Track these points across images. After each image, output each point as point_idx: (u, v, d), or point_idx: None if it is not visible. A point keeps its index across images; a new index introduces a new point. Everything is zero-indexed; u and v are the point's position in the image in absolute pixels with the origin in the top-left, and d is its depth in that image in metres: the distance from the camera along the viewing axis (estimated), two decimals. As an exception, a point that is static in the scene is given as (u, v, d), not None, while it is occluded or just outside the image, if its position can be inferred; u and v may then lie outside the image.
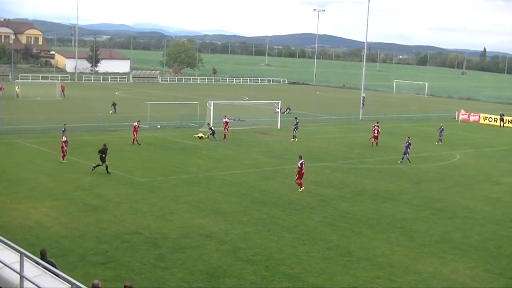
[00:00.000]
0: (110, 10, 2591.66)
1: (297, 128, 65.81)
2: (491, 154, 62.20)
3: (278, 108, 78.65)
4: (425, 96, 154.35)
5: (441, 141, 68.06)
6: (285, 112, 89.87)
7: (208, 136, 61.86)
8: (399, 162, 54.02)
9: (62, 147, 47.42)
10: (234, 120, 74.52)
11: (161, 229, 31.23)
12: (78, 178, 42.18)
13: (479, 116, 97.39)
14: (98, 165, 43.59)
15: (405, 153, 54.47)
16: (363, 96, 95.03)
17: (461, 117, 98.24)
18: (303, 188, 41.14)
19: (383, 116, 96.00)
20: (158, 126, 69.94)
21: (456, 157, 59.50)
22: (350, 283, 25.28)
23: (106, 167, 43.39)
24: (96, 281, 14.65)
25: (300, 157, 42.54)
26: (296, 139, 64.08)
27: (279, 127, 73.34)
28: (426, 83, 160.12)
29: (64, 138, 47.92)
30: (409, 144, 54.58)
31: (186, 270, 25.72)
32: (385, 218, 35.80)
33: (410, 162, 53.78)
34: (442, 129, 69.00)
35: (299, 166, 41.62)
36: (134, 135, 56.58)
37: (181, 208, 35.65)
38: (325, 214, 35.84)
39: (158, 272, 25.41)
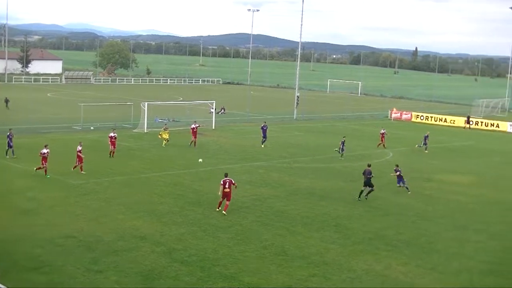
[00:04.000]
0: (41, 10, 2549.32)
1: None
2: (423, 152, 63.26)
3: (213, 108, 78.59)
4: (359, 95, 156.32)
5: (426, 150, 63.79)
6: (220, 112, 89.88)
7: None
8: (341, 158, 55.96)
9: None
10: (168, 120, 74.09)
11: (95, 232, 30.85)
12: (9, 181, 41.36)
13: (411, 115, 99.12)
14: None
15: (342, 150, 56.19)
16: (297, 96, 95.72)
17: (393, 115, 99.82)
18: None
19: (318, 115, 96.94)
20: (92, 128, 69.06)
21: (389, 155, 60.40)
22: (285, 282, 25.41)
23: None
24: None
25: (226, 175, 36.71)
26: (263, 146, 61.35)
27: (213, 127, 73.26)
28: (360, 82, 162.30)
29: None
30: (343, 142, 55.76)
31: (121, 272, 25.46)
32: (320, 216, 36.10)
33: (342, 158, 54.90)
34: (427, 136, 64.99)
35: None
36: (111, 147, 51.99)
37: (115, 210, 35.28)
38: (260, 213, 35.95)
39: (92, 275, 25.09)
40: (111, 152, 51.66)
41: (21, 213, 33.86)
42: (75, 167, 44.74)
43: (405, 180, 43.73)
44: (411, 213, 38.11)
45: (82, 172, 44.23)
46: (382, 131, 65.28)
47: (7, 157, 48.79)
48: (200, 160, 38.22)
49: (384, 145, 64.22)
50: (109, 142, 51.92)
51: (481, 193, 45.04)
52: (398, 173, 43.33)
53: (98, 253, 27.75)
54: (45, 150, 43.46)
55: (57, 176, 43.08)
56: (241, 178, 45.32)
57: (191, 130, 59.85)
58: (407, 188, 43.34)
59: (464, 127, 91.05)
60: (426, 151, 62.98)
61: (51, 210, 34.68)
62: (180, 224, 33.07)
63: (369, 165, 41.53)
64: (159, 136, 59.64)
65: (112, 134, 52.14)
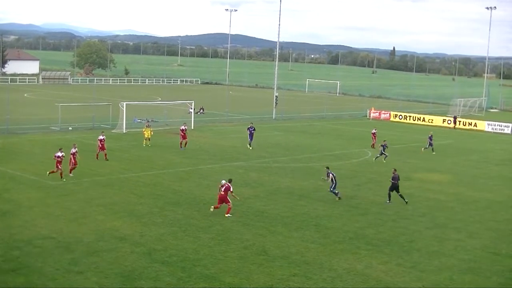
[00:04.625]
0: (18, 10, 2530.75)
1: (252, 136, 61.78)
2: (401, 151, 63.57)
3: (192, 108, 78.41)
4: (337, 94, 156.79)
5: (433, 151, 63.28)
6: (199, 113, 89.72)
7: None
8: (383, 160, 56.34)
9: None
10: (147, 120, 73.81)
11: (75, 233, 30.63)
12: (-14, 182, 40.98)
13: (390, 114, 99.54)
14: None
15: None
16: (276, 95, 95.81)
17: (372, 115, 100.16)
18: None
19: (296, 115, 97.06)
20: (70, 128, 68.65)
21: (368, 154, 60.56)
22: (266, 281, 25.37)
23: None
24: None
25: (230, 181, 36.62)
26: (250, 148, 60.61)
27: (192, 127, 73.06)
28: (338, 82, 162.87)
29: None
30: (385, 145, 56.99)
31: (101, 273, 25.29)
32: (300, 216, 36.10)
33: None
34: (431, 137, 64.55)
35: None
36: (98, 149, 51.12)
37: (95, 211, 35.06)
38: (240, 213, 35.86)
39: (72, 276, 24.90)
40: (97, 154, 50.66)
41: (-1, 215, 33.55)
42: (54, 172, 42.67)
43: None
44: (391, 212, 38.21)
45: (71, 174, 43.59)
46: (374, 131, 65.18)
47: None
48: (338, 195, 38.55)
49: (373, 145, 64.00)
50: (99, 144, 50.78)
51: (459, 191, 45.28)
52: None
53: (78, 254, 27.56)
54: (59, 154, 42.41)
55: (35, 177, 42.75)
56: (221, 179, 45.13)
57: (180, 132, 58.82)
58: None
59: (454, 127, 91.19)
60: (433, 153, 62.45)
61: (29, 211, 34.36)
62: (160, 224, 32.93)
63: (395, 170, 40.97)
64: (144, 133, 59.57)
65: (101, 137, 51.17)
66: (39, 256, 27.10)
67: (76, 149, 44.50)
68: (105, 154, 50.58)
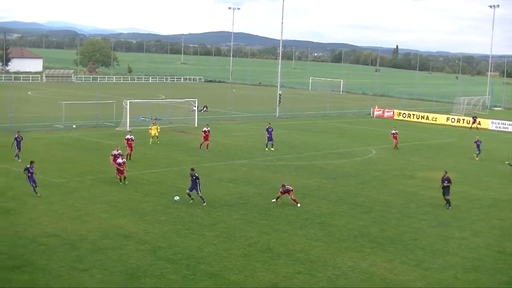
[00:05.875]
0: (21, 8, 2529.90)
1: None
2: (405, 149, 63.53)
3: (195, 107, 78.44)
4: (340, 93, 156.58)
5: (477, 156, 60.22)
6: (202, 111, 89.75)
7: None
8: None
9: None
10: (151, 118, 73.80)
11: (79, 231, 30.68)
12: (-10, 180, 41.06)
13: (393, 112, 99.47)
14: None
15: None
16: (279, 94, 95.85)
17: (375, 113, 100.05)
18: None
19: (299, 113, 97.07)
20: (74, 126, 68.74)
21: (372, 152, 60.57)
22: (271, 279, 25.40)
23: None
24: None
25: (283, 186, 38.30)
26: (272, 148, 58.99)
27: (196, 125, 73.12)
28: (341, 80, 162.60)
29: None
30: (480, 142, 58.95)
31: (105, 271, 25.34)
32: (304, 214, 36.12)
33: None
34: (479, 142, 60.60)
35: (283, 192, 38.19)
36: (128, 149, 50.24)
37: (99, 208, 35.11)
38: (244, 211, 35.91)
39: (76, 274, 24.95)
40: (128, 154, 49.54)
41: (2, 213, 33.59)
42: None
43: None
44: (394, 210, 38.21)
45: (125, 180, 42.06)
46: (394, 131, 64.81)
47: (19, 161, 46.76)
48: (177, 198, 37.06)
49: (396, 146, 63.70)
50: (126, 145, 50.24)
51: (463, 190, 45.23)
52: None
53: (82, 252, 27.61)
54: (119, 158, 42.07)
55: (39, 174, 42.66)
56: (225, 176, 45.35)
57: (202, 133, 57.40)
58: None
59: (471, 127, 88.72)
60: (477, 158, 59.80)
61: (33, 209, 34.43)
62: (164, 222, 32.97)
63: (445, 172, 39.95)
64: (150, 132, 59.72)
65: (128, 137, 50.71)
66: (44, 254, 27.16)
67: (119, 151, 43.45)
68: (130, 154, 49.96)
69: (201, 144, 57.07)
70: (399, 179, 48.20)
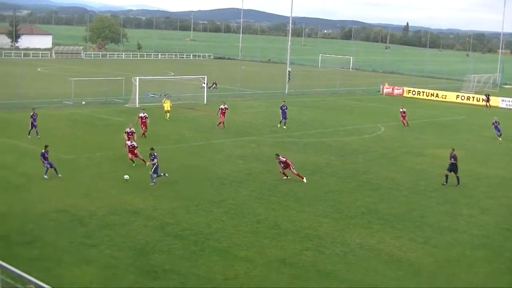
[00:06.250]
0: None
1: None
2: (414, 127, 63.34)
3: (204, 83, 78.36)
4: (350, 70, 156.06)
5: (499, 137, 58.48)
6: (211, 87, 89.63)
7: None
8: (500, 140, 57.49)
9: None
10: (160, 95, 73.84)
11: (88, 207, 30.81)
12: None
13: (403, 90, 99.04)
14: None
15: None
16: (288, 71, 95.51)
17: (385, 90, 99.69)
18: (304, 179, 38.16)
19: (309, 90, 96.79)
20: (83, 103, 68.80)
21: (381, 129, 60.45)
22: (279, 255, 25.47)
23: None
24: (29, 287, 14.16)
25: (278, 156, 38.72)
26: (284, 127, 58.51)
27: (205, 102, 73.11)
28: (351, 57, 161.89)
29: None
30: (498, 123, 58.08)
31: (114, 247, 25.47)
32: (312, 190, 36.15)
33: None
34: (497, 123, 59.08)
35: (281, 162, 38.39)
36: (142, 128, 50.06)
37: (108, 185, 35.24)
38: (253, 188, 35.97)
39: (86, 249, 25.09)
40: (143, 133, 49.48)
41: (12, 189, 33.77)
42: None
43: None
44: (403, 187, 38.18)
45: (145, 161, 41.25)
46: (402, 109, 64.57)
47: (30, 137, 47.03)
48: (126, 176, 36.63)
49: (407, 123, 63.39)
50: (140, 123, 49.97)
51: (472, 168, 45.06)
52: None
53: (91, 228, 27.75)
54: (131, 137, 42.00)
55: (41, 149, 42.81)
56: (234, 153, 45.41)
57: (219, 111, 57.21)
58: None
59: (487, 106, 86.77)
60: (500, 139, 58.37)
61: (42, 185, 34.60)
62: (172, 198, 33.05)
63: (452, 150, 39.61)
64: (164, 106, 60.26)
65: (141, 115, 50.34)
66: (53, 229, 27.32)
67: (132, 128, 43.62)
68: (144, 132, 49.71)
69: (219, 123, 56.70)
70: (407, 156, 48.13)
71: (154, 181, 35.71)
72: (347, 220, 30.85)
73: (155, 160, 35.93)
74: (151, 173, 35.93)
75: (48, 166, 36.21)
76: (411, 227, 30.20)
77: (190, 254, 25.18)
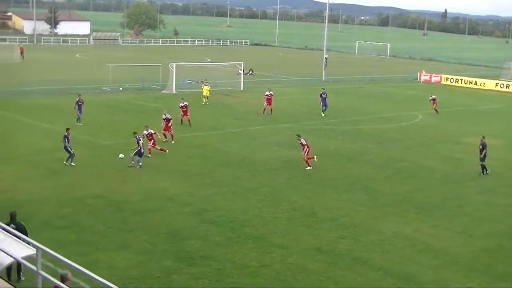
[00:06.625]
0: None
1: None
2: (452, 115, 62.80)
3: (241, 70, 78.37)
4: (387, 57, 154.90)
5: None
6: (248, 74, 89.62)
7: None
8: None
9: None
10: (197, 82, 74.04)
11: (124, 192, 31.10)
12: (38, 142, 41.65)
13: (441, 77, 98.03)
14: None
15: None
16: (325, 57, 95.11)
17: (422, 78, 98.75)
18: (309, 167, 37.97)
19: (345, 77, 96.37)
20: (120, 89, 69.26)
21: (418, 117, 59.99)
22: (314, 243, 25.48)
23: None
24: (64, 272, 14.40)
25: (299, 136, 38.80)
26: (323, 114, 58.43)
27: (242, 89, 73.16)
28: (388, 44, 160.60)
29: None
30: None
31: (150, 232, 25.69)
32: (348, 178, 36.07)
33: None
34: None
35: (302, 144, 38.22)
36: (182, 115, 49.57)
37: (143, 171, 35.48)
38: (289, 175, 35.98)
39: (123, 234, 25.36)
40: (188, 120, 49.37)
41: (50, 174, 34.20)
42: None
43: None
44: (439, 175, 37.90)
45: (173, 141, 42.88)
46: (432, 97, 63.93)
47: (80, 124, 47.07)
48: (121, 155, 36.73)
49: (436, 110, 62.73)
50: (181, 112, 49.47)
51: (508, 157, 44.58)
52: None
53: (128, 213, 28.02)
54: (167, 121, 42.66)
55: (86, 136, 43.35)
56: (270, 140, 45.43)
57: (265, 97, 57.26)
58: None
59: None
60: None
61: (79, 171, 34.95)
62: (209, 185, 33.20)
63: (483, 137, 39.23)
64: (203, 91, 61.35)
65: (181, 104, 49.82)
66: (91, 214, 27.65)
67: (167, 115, 43.56)
68: (189, 120, 49.42)
69: (264, 109, 56.74)
70: (445, 144, 47.73)
71: (141, 163, 36.15)
72: (383, 208, 30.75)
73: (140, 143, 36.10)
74: (132, 155, 36.22)
75: (69, 150, 36.05)
76: (448, 216, 29.99)
77: (226, 240, 25.31)
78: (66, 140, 36.03)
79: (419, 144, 47.47)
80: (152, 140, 39.03)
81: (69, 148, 35.98)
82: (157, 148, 39.14)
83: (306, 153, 37.77)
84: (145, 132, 38.87)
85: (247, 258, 23.61)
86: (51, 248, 12.21)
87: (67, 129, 36.75)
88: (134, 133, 37.01)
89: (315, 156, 38.09)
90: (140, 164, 36.14)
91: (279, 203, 30.65)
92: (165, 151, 39.36)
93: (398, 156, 42.39)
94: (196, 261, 23.12)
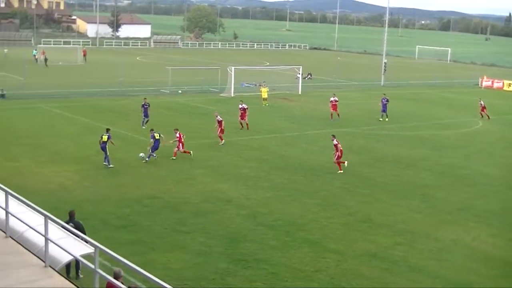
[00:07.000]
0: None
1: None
2: (513, 121, 61.62)
3: (299, 74, 78.23)
4: (448, 62, 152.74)
5: None
6: (306, 78, 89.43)
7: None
8: None
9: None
10: (255, 85, 74.23)
11: (181, 194, 31.36)
12: (97, 142, 42.13)
13: (503, 83, 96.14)
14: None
15: None
16: (384, 62, 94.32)
17: (484, 83, 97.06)
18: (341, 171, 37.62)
19: (405, 82, 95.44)
20: (179, 91, 69.87)
21: (479, 124, 59.03)
22: (370, 249, 25.27)
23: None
24: (117, 269, 14.62)
25: (334, 137, 38.62)
26: (386, 119, 57.63)
27: (300, 93, 73.08)
28: (449, 49, 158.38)
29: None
30: None
31: (207, 234, 25.83)
32: (406, 184, 35.68)
33: None
34: None
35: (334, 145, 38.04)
36: (242, 118, 49.75)
37: (201, 173, 35.73)
38: (346, 180, 35.77)
39: (179, 236, 25.56)
40: (246, 124, 49.50)
41: (109, 174, 34.71)
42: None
43: None
44: (501, 184, 37.21)
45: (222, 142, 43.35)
46: (481, 102, 62.91)
47: (144, 127, 47.14)
48: (142, 154, 36.84)
49: (488, 116, 61.67)
50: (240, 114, 49.67)
51: None
52: None
53: (185, 215, 28.23)
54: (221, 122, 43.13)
55: (143, 137, 43.68)
56: (328, 144, 45.08)
57: (330, 104, 57.13)
58: None
59: None
60: None
61: (137, 171, 35.42)
62: (266, 188, 33.23)
63: None
64: (262, 93, 62.29)
65: (240, 106, 50.04)
66: (148, 215, 27.94)
67: (218, 116, 43.92)
68: (247, 124, 49.56)
69: (331, 114, 56.58)
70: (506, 151, 46.87)
71: (147, 158, 37.28)
72: (442, 216, 30.29)
73: (152, 140, 37.32)
74: (149, 150, 37.43)
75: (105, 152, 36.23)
76: (509, 226, 29.42)
77: (281, 244, 25.29)
78: (111, 141, 36.50)
79: (479, 151, 46.71)
80: (181, 144, 39.15)
81: (107, 150, 36.34)
82: (181, 151, 39.17)
83: (336, 157, 37.43)
84: (176, 135, 39.20)
85: (301, 263, 23.55)
86: (108, 247, 12.36)
87: (107, 130, 37.31)
88: (151, 130, 38.28)
89: (345, 162, 37.72)
90: (147, 159, 37.32)
91: (335, 208, 30.50)
92: (190, 153, 39.35)
93: (458, 163, 41.75)
94: (251, 264, 23.16)
